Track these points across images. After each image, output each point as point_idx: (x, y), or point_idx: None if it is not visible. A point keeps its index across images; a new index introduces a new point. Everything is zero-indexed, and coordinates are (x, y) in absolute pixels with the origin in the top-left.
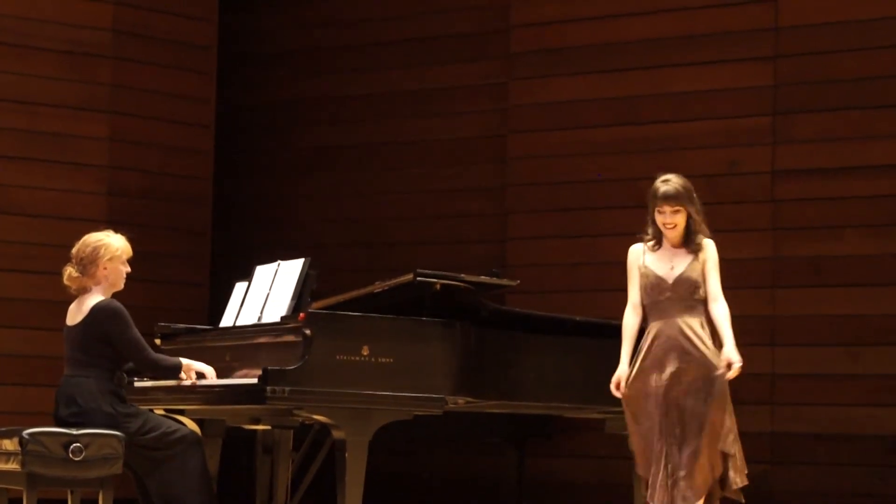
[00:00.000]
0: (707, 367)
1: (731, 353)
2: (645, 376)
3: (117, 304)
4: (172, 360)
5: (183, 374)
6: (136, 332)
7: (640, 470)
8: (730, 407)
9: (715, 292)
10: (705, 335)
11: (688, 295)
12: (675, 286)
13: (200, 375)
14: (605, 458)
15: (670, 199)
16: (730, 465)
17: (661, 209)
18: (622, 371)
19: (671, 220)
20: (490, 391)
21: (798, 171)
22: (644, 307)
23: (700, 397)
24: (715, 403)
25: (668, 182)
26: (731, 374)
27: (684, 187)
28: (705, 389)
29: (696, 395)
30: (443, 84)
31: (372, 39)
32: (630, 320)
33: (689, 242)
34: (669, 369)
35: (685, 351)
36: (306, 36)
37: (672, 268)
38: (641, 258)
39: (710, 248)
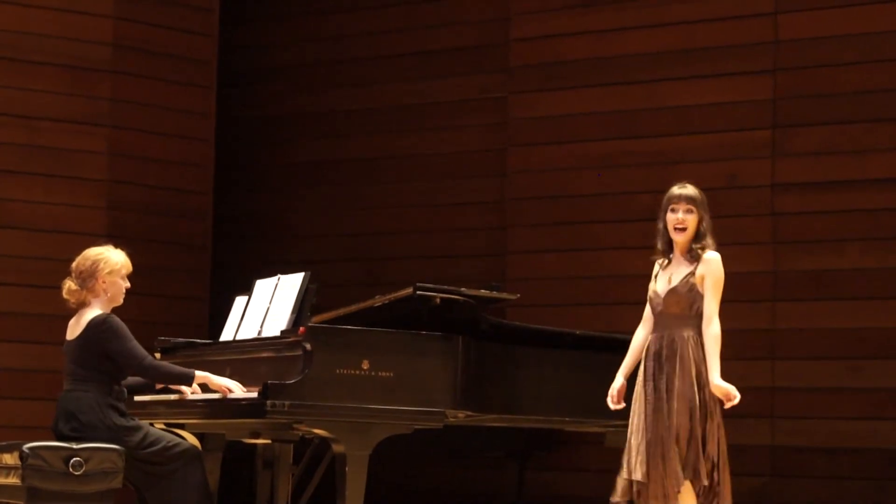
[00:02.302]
0: (682, 389)
1: (719, 385)
2: (640, 388)
3: (113, 317)
4: (182, 368)
5: (194, 388)
6: (133, 343)
7: (635, 474)
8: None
9: (709, 313)
10: (698, 351)
11: (680, 310)
12: (665, 300)
13: (223, 389)
14: (605, 472)
15: (685, 198)
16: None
17: (674, 207)
18: (616, 383)
19: (683, 219)
20: (490, 405)
21: (798, 185)
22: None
23: (683, 412)
24: (698, 418)
25: (685, 186)
26: (729, 404)
27: (700, 192)
28: (688, 406)
29: (680, 411)
30: (442, 98)
31: (371, 53)
32: (637, 334)
33: (690, 249)
34: (657, 383)
35: (672, 371)
36: (306, 50)
37: (669, 281)
38: (656, 272)
39: (711, 263)
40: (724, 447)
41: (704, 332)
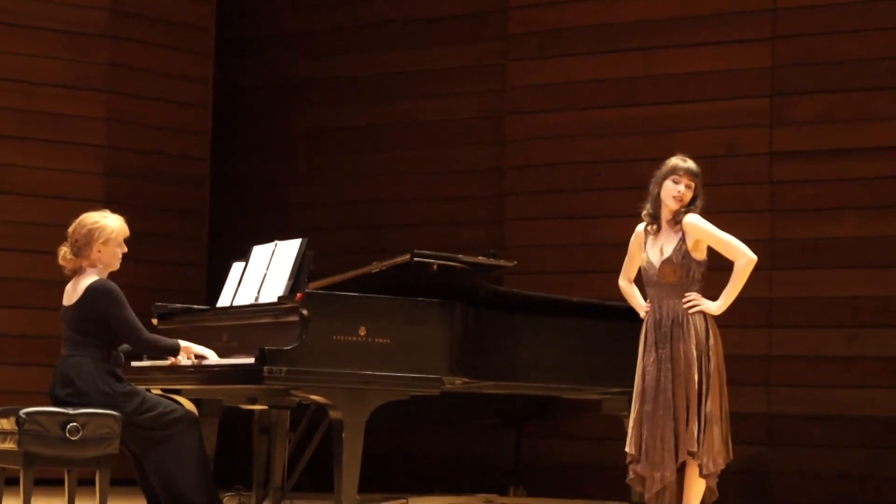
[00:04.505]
0: (688, 354)
1: (707, 301)
2: (641, 359)
3: (111, 284)
4: (170, 340)
5: (182, 355)
6: (131, 313)
7: (629, 448)
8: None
9: (731, 253)
10: (697, 319)
11: (677, 278)
12: (661, 270)
13: (201, 357)
14: (602, 440)
15: (690, 173)
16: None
17: (677, 178)
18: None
19: (682, 193)
20: (487, 372)
21: (796, 153)
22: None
23: (681, 382)
24: (696, 386)
25: (686, 159)
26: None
27: (697, 167)
28: (687, 374)
29: (678, 379)
30: (440, 65)
31: (369, 21)
32: (624, 282)
33: (675, 218)
34: (659, 352)
35: (676, 335)
36: (304, 17)
37: (661, 251)
38: (644, 243)
39: (693, 226)
40: (714, 410)
41: (735, 266)
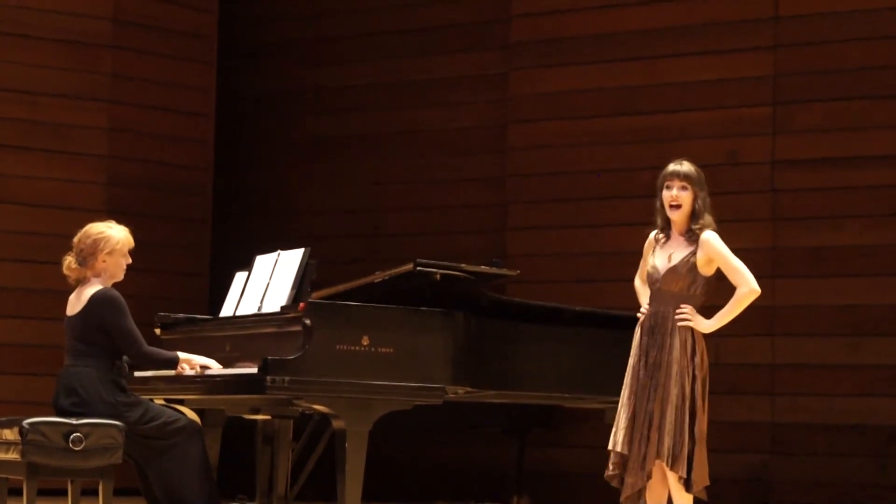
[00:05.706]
0: (670, 367)
1: (700, 318)
2: (632, 361)
3: (115, 293)
4: (168, 353)
5: (185, 366)
6: (132, 324)
7: (621, 447)
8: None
9: (737, 280)
10: (685, 333)
11: (678, 289)
12: (665, 277)
13: (203, 367)
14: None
15: (680, 174)
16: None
17: (669, 184)
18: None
19: (677, 196)
20: (490, 381)
21: (798, 162)
22: None
23: (659, 393)
24: (672, 402)
25: (681, 162)
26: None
27: (696, 169)
28: (666, 385)
29: (658, 389)
30: (443, 74)
31: (372, 29)
32: (637, 282)
33: (689, 229)
34: (649, 358)
35: (663, 344)
36: (306, 26)
37: (669, 259)
38: (653, 247)
39: (709, 244)
40: (703, 429)
41: (736, 292)
